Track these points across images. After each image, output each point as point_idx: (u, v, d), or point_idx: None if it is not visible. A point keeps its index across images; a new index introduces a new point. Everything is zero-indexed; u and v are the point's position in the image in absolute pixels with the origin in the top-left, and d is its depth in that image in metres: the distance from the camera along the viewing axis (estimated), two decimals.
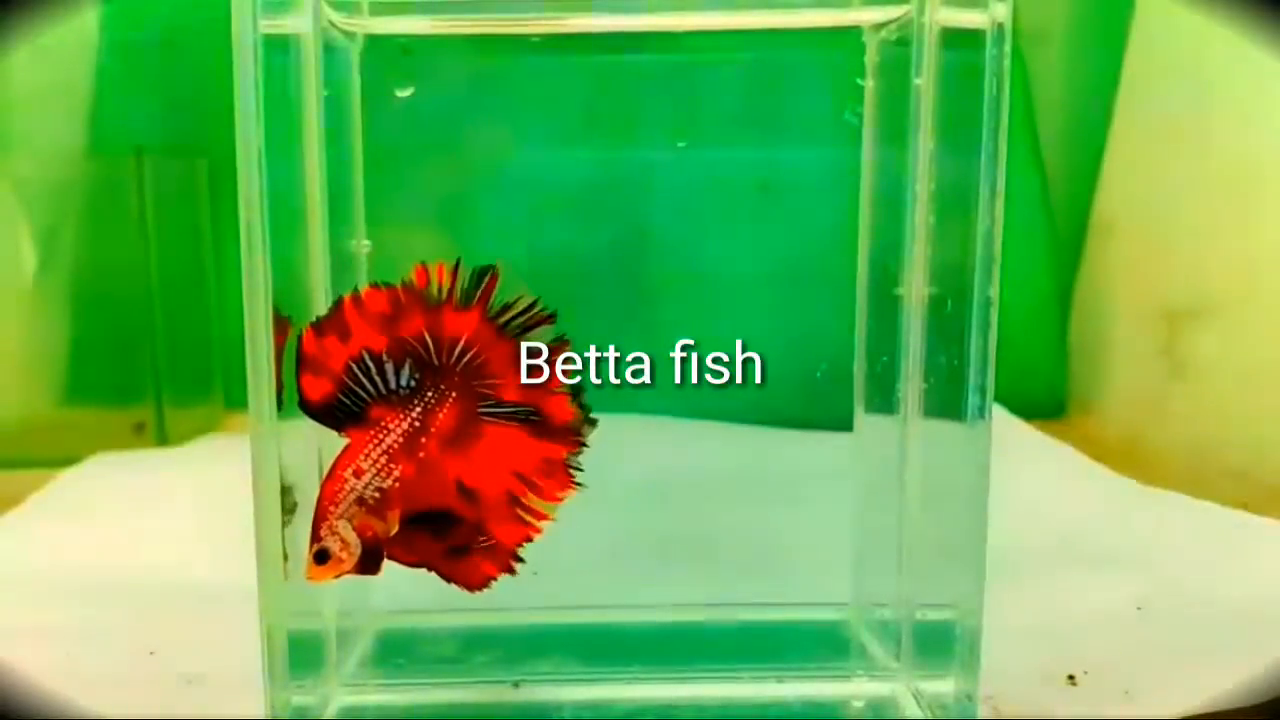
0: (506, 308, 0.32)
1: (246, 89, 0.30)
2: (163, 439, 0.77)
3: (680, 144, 0.40)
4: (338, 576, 0.31)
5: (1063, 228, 0.87)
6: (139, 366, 0.77)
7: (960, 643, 0.33)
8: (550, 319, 0.32)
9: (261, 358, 0.31)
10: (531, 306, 0.32)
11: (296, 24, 0.35)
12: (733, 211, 0.43)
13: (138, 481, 0.66)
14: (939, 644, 0.35)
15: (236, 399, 0.81)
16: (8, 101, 0.79)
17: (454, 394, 0.32)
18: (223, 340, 0.81)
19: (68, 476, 0.66)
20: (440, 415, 0.31)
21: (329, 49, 0.36)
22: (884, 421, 0.39)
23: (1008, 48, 0.31)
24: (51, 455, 0.69)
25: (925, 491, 0.37)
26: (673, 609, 0.42)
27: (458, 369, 0.32)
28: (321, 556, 0.31)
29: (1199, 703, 0.34)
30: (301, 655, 0.34)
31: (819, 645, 0.41)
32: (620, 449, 0.36)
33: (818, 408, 0.43)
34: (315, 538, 0.31)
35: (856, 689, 0.37)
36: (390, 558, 0.32)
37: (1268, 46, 0.60)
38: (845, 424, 0.42)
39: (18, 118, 0.80)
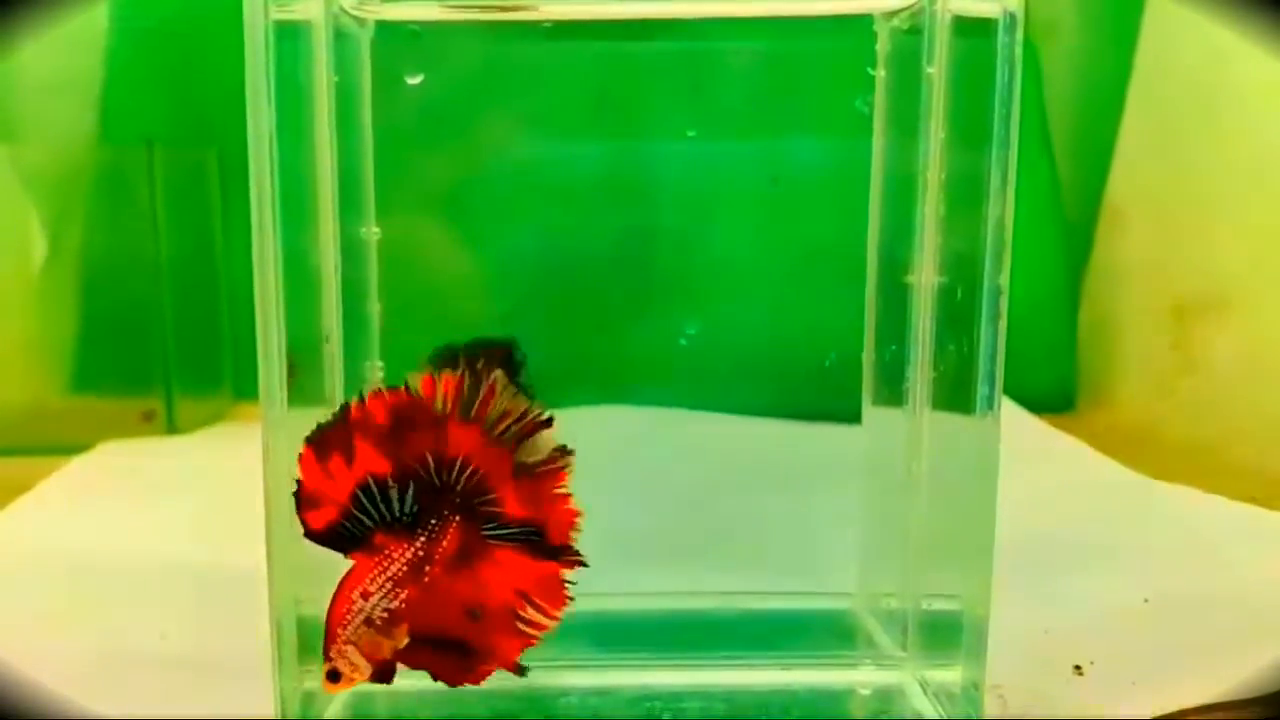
0: (504, 415, 0.31)
1: (257, 75, 0.30)
2: (171, 428, 0.77)
3: (690, 133, 0.40)
4: (352, 687, 0.31)
5: (1073, 219, 0.87)
6: (147, 356, 0.77)
7: (967, 632, 0.33)
8: (547, 423, 0.31)
9: (272, 347, 0.31)
10: (525, 414, 0.31)
11: (307, 10, 0.35)
12: (742, 200, 0.43)
13: (147, 467, 0.66)
14: (946, 634, 0.35)
15: (246, 390, 0.81)
16: (17, 90, 0.79)
17: (457, 518, 0.31)
18: (232, 330, 0.81)
19: (77, 462, 0.66)
20: (444, 542, 0.31)
21: (339, 35, 0.36)
22: (892, 413, 0.39)
23: (1019, 36, 0.31)
24: (59, 443, 0.69)
25: (933, 482, 0.37)
26: (679, 597, 0.42)
27: (459, 489, 0.31)
28: (333, 676, 0.31)
29: (1205, 694, 0.34)
30: (310, 640, 0.34)
31: (826, 634, 0.41)
32: (629, 439, 0.37)
33: (826, 400, 0.43)
34: (326, 657, 0.31)
35: (863, 677, 0.37)
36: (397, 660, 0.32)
37: (1270, 46, 0.60)
38: (853, 416, 0.42)
39: (27, 106, 0.80)
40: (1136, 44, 0.83)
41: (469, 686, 0.36)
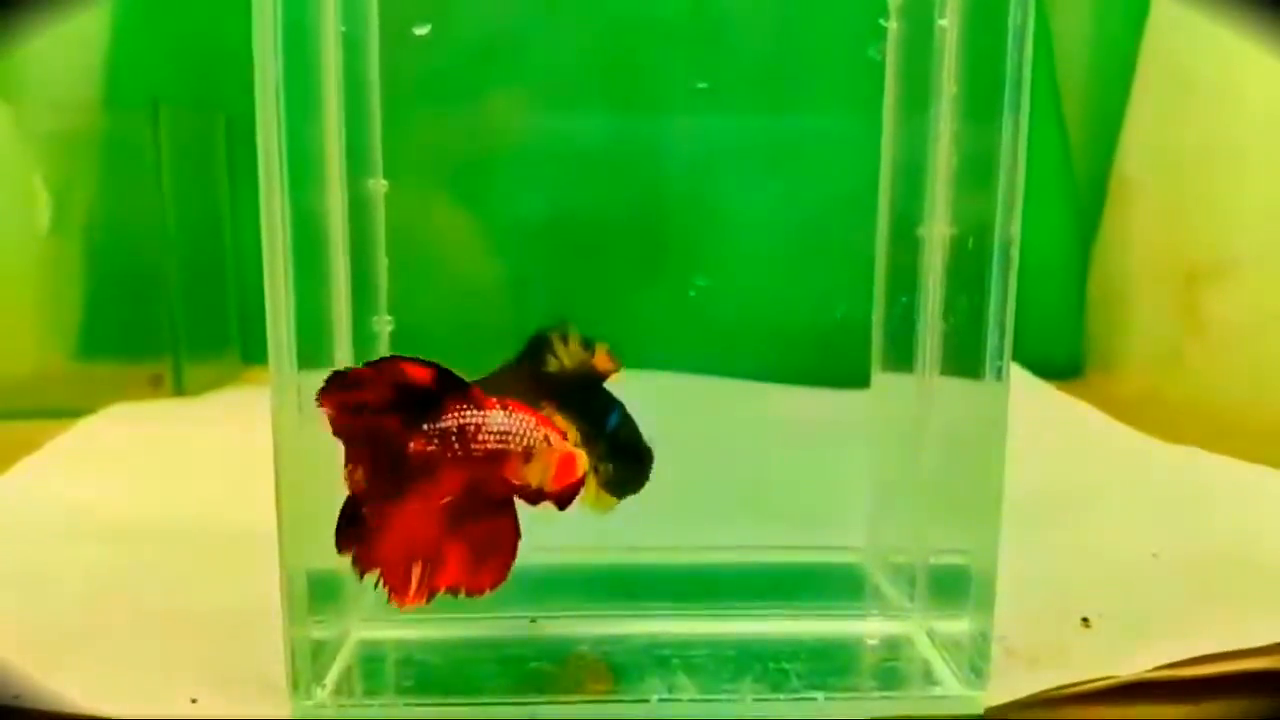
0: None
1: (264, 26, 0.30)
2: (179, 393, 0.77)
3: (701, 84, 0.40)
4: None
5: (1083, 185, 0.87)
6: (155, 320, 0.77)
7: (975, 584, 0.33)
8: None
9: (280, 306, 0.31)
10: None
11: None
12: (753, 156, 0.42)
13: (152, 428, 0.66)
14: (954, 587, 0.35)
15: (254, 354, 0.81)
16: (22, 52, 0.79)
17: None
18: (240, 294, 0.81)
19: (84, 423, 0.66)
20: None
21: None
22: (900, 378, 0.39)
23: None
24: (66, 407, 0.69)
25: (942, 441, 0.37)
26: (691, 551, 0.42)
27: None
28: None
29: (1211, 645, 0.34)
30: (320, 592, 0.34)
31: (835, 587, 0.41)
32: (643, 403, 0.36)
33: (835, 365, 0.43)
34: None
35: (871, 628, 0.38)
36: None
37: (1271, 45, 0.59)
38: (862, 381, 0.42)
39: (32, 68, 0.79)
40: (1148, 12, 0.82)
41: (480, 635, 0.36)
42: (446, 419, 0.32)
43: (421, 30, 0.38)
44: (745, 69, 0.41)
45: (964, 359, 0.34)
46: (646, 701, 0.32)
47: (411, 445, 0.32)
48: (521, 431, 0.32)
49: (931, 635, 0.36)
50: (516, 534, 0.32)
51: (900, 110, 0.39)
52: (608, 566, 0.40)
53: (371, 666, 0.35)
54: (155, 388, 0.76)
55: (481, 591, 0.32)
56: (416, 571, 0.32)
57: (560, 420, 0.34)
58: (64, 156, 0.78)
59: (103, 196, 0.78)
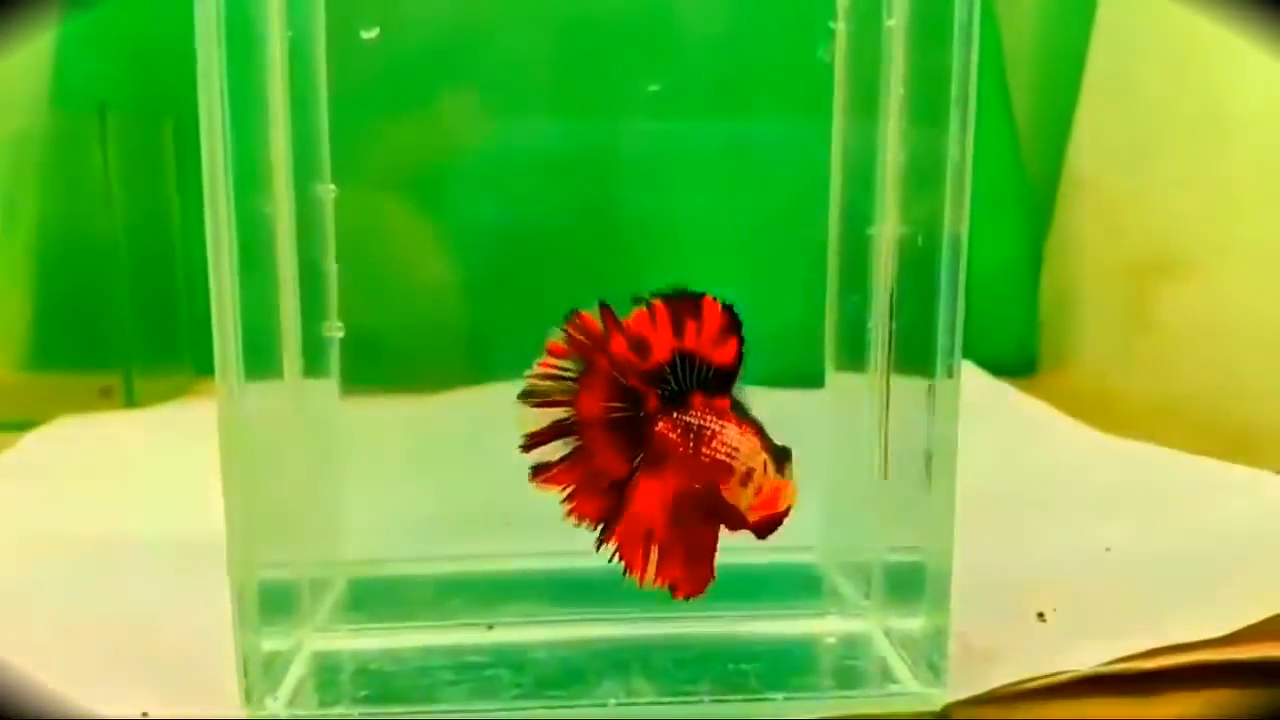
0: None
1: (208, 31, 0.30)
2: (130, 405, 0.75)
3: (653, 87, 0.40)
4: None
5: (1034, 184, 0.88)
6: (105, 331, 0.76)
7: (931, 581, 0.34)
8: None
9: (227, 314, 0.31)
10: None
11: None
12: (705, 158, 0.42)
13: (105, 440, 0.65)
14: (910, 584, 0.35)
15: (205, 364, 0.80)
16: None
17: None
18: (191, 303, 0.80)
19: (34, 435, 0.65)
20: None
21: None
22: (855, 376, 0.39)
23: None
24: (15, 420, 0.68)
25: (897, 435, 0.37)
26: None
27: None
28: None
29: (1166, 638, 0.34)
30: (273, 603, 0.33)
31: (792, 587, 0.41)
32: None
33: (789, 365, 0.43)
34: None
35: (829, 627, 0.38)
36: None
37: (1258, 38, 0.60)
38: (817, 381, 0.42)
39: None
40: (1095, 11, 0.83)
41: (437, 643, 0.36)
42: (693, 415, 0.31)
43: (369, 34, 0.38)
44: (696, 71, 0.41)
45: (916, 357, 0.34)
46: (604, 705, 0.32)
47: (660, 425, 0.31)
48: (747, 453, 0.31)
49: (889, 633, 0.37)
50: (715, 547, 0.32)
51: (850, 111, 0.39)
52: (563, 570, 0.40)
53: (326, 677, 0.35)
54: (106, 399, 0.75)
55: (696, 594, 0.32)
56: (654, 553, 0.31)
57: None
58: (10, 161, 0.76)
59: (50, 202, 0.76)
